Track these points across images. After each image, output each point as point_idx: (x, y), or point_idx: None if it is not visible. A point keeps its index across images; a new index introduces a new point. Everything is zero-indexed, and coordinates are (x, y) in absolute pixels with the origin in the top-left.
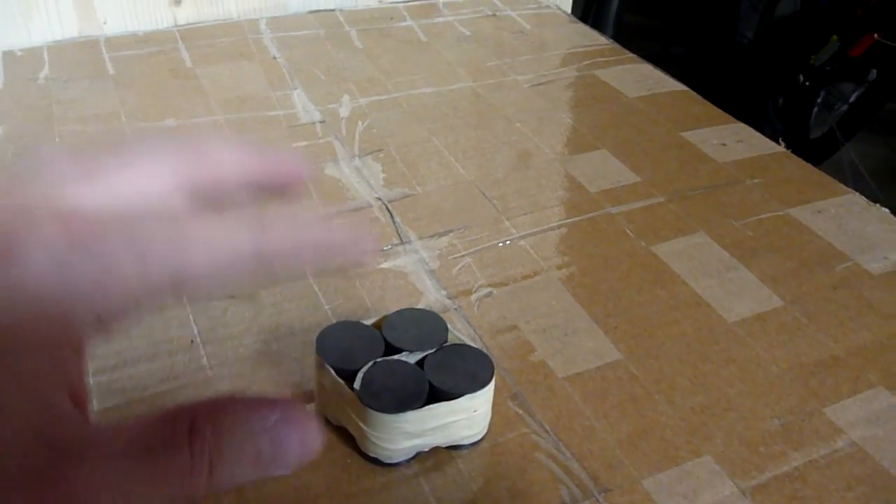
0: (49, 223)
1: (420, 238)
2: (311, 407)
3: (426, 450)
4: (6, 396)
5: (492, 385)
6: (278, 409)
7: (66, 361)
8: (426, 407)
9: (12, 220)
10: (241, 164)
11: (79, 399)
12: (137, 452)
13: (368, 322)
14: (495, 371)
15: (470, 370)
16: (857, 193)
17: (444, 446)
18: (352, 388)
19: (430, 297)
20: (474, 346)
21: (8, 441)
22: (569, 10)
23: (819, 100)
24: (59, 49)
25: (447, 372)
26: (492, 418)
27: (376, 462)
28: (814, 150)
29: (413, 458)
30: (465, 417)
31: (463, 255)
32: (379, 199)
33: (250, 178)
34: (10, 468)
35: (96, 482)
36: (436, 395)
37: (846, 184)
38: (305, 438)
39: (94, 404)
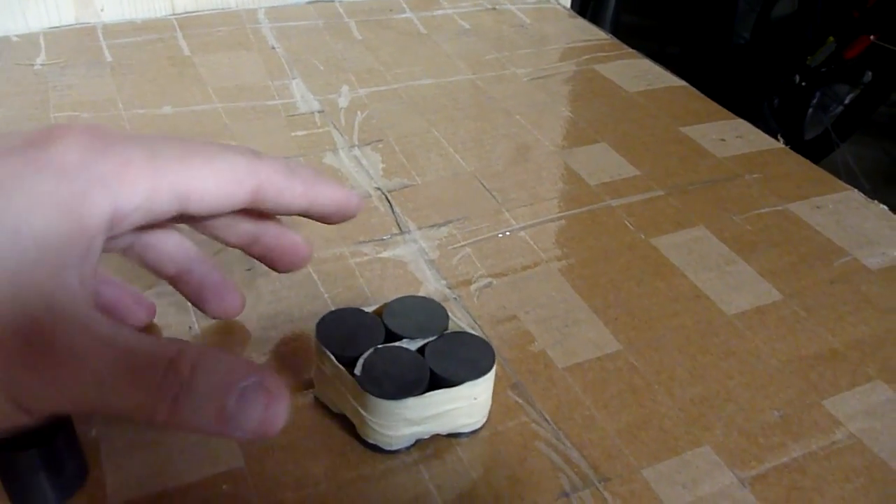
0: (81, 128)
1: (420, 228)
2: (310, 393)
3: (426, 437)
4: (4, 245)
5: (493, 373)
6: (256, 374)
7: (80, 243)
8: (427, 394)
9: (56, 126)
10: (305, 193)
11: (86, 285)
12: (121, 350)
13: (369, 309)
14: (496, 360)
15: (471, 358)
16: (856, 190)
17: (443, 434)
18: (352, 375)
19: (430, 286)
20: (473, 333)
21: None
22: (568, 5)
23: (814, 101)
24: (56, 35)
25: (448, 359)
26: (492, 407)
27: (376, 449)
28: (809, 150)
29: (412, 445)
30: (466, 405)
31: (463, 246)
32: (378, 188)
33: (306, 205)
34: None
35: (82, 353)
36: (436, 382)
37: None
38: (271, 410)
39: None
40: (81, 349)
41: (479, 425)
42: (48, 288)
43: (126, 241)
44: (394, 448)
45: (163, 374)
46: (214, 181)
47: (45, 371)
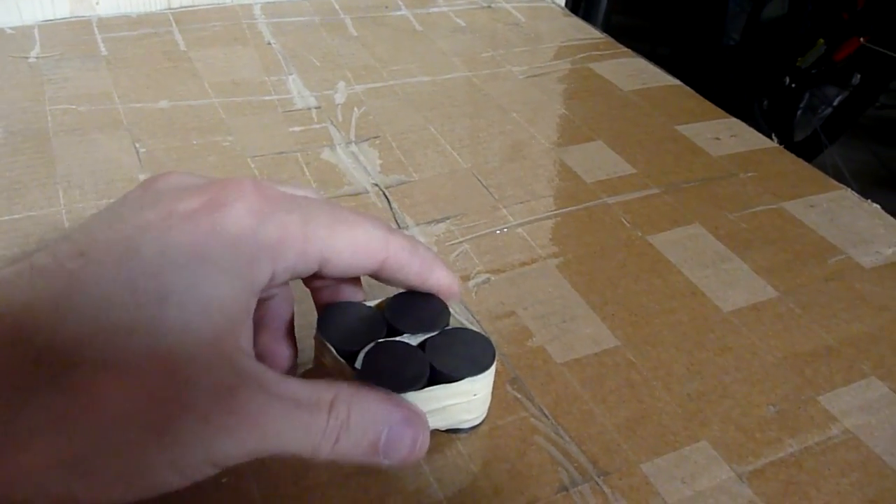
0: (250, 187)
1: (417, 224)
2: None
3: None
4: (199, 315)
5: (493, 369)
6: (403, 410)
7: (249, 307)
8: (426, 388)
9: (225, 182)
10: (420, 273)
11: (250, 342)
12: (290, 401)
13: (370, 304)
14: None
15: (471, 354)
16: (849, 189)
17: (442, 429)
18: (353, 368)
19: None
20: (473, 329)
21: (195, 353)
22: (563, 4)
23: (803, 102)
24: (51, 28)
25: (448, 355)
26: (491, 402)
27: None
28: (798, 152)
29: None
30: (465, 401)
31: (460, 242)
32: (376, 185)
33: (419, 283)
34: (200, 378)
35: (263, 409)
36: (436, 377)
37: None
38: (418, 441)
39: None
40: (261, 406)
41: (478, 421)
42: (231, 351)
43: None
44: None
45: (326, 420)
46: (352, 250)
47: (235, 430)
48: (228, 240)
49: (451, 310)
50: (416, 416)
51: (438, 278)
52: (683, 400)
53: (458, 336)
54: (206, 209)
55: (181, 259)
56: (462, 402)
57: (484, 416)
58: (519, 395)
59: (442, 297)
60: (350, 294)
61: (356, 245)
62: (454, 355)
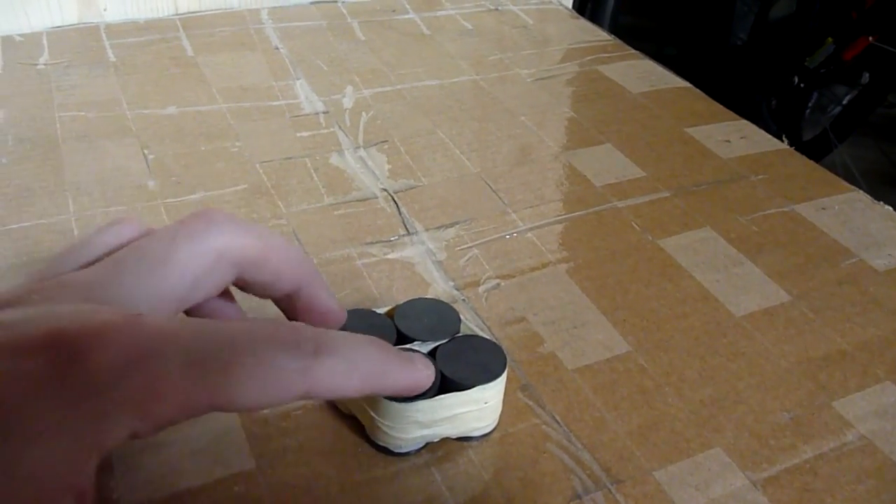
0: (113, 337)
1: (427, 229)
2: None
3: (436, 440)
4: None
5: (504, 377)
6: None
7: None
8: (437, 397)
9: (77, 330)
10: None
11: None
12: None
13: (381, 311)
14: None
15: (482, 361)
16: (861, 191)
17: (454, 437)
18: None
19: (438, 288)
20: (486, 337)
21: None
22: (570, 6)
23: (812, 102)
24: (59, 35)
25: (459, 363)
26: (502, 409)
27: (385, 451)
28: (807, 151)
29: (423, 447)
30: (476, 409)
31: (470, 247)
32: (384, 189)
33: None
34: None
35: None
36: (447, 385)
37: None
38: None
39: None
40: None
41: (489, 429)
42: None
43: None
44: (403, 451)
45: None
46: (258, 395)
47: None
48: (79, 392)
49: (461, 317)
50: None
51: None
52: (696, 406)
53: (469, 343)
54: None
55: None
56: (473, 409)
57: (495, 423)
58: (530, 402)
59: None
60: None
61: (263, 389)
62: (465, 363)
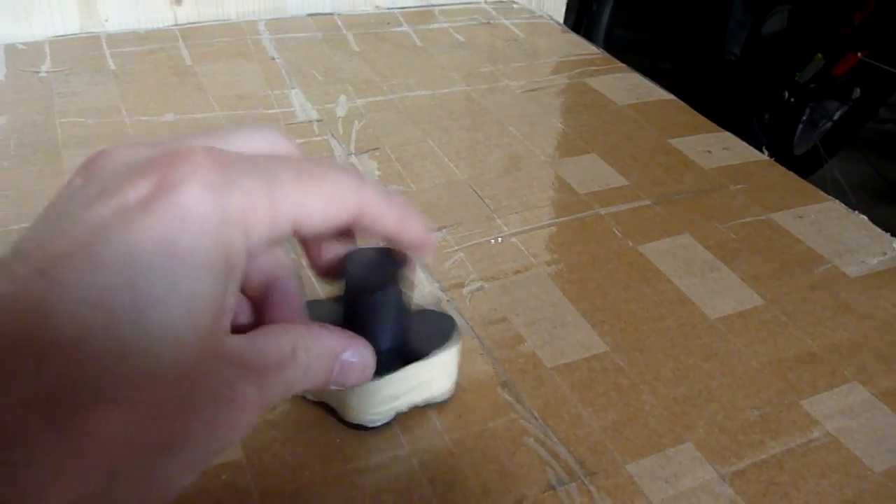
0: (201, 157)
1: None
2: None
3: (405, 409)
4: (183, 319)
5: (456, 338)
6: (351, 341)
7: (230, 290)
8: (402, 368)
9: (173, 156)
10: (397, 223)
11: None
12: (274, 368)
13: (324, 298)
14: (486, 354)
15: (435, 330)
16: (837, 201)
17: (420, 404)
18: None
19: (424, 289)
20: (435, 309)
21: (187, 360)
22: (561, 21)
23: (804, 117)
24: (61, 44)
25: (415, 335)
26: (482, 405)
27: (360, 427)
28: (798, 166)
29: (393, 419)
30: (437, 374)
31: (456, 250)
32: None
33: (394, 233)
34: (196, 383)
35: (257, 389)
36: (409, 356)
37: None
38: (364, 369)
39: None
40: (256, 387)
41: (450, 393)
42: (218, 344)
43: None
44: (377, 424)
45: (295, 372)
46: (324, 205)
47: (238, 419)
48: (194, 226)
49: (414, 282)
50: (362, 346)
51: (414, 229)
52: (669, 403)
53: (422, 317)
54: (160, 194)
55: (150, 261)
56: (434, 375)
57: (453, 386)
58: (510, 398)
59: (416, 249)
60: (341, 249)
61: (328, 199)
62: (420, 334)
